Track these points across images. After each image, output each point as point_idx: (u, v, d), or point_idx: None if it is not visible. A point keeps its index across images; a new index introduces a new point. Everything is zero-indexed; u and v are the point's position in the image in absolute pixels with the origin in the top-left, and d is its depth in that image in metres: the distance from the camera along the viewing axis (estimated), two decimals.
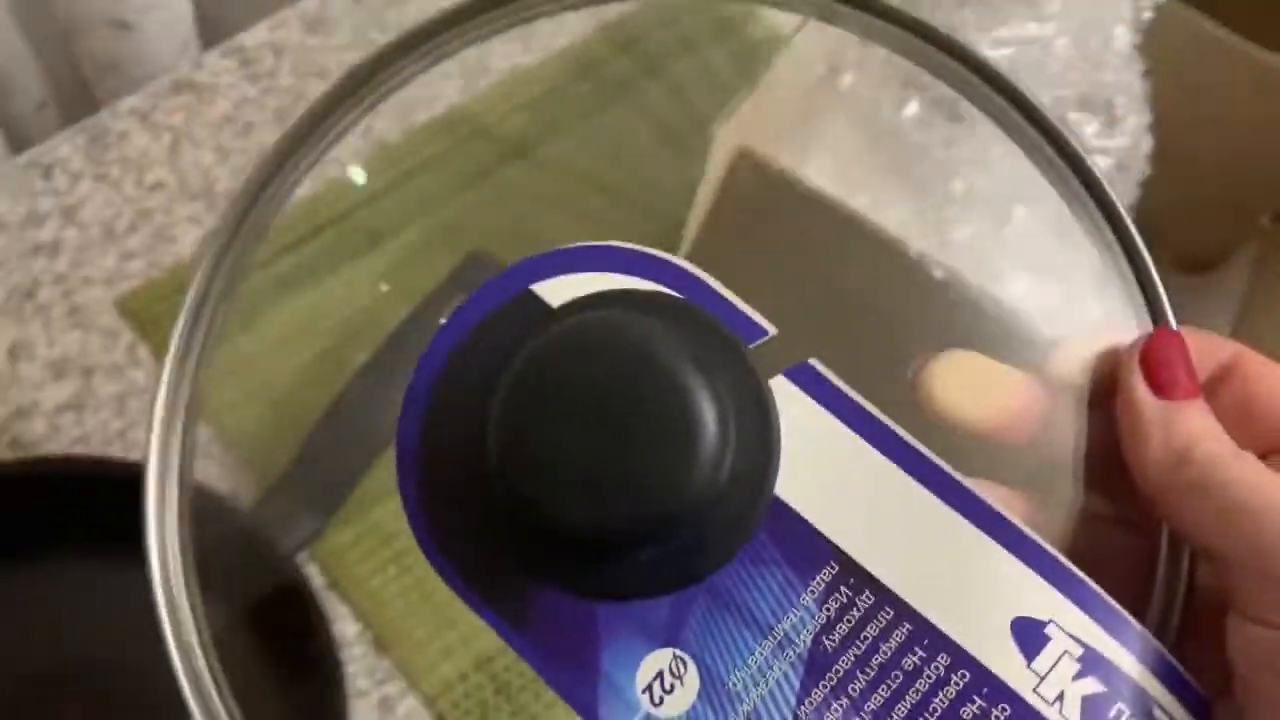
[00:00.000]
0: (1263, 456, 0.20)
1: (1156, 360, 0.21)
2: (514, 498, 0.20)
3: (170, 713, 0.22)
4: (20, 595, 0.47)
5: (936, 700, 0.20)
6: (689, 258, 0.48)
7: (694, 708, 0.20)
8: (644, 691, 0.20)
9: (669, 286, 0.21)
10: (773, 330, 0.21)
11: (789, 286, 0.45)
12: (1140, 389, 0.20)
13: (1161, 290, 0.22)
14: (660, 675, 0.20)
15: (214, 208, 0.58)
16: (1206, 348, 0.21)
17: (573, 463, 0.19)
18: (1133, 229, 0.22)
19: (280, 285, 0.57)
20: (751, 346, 0.21)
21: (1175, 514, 0.20)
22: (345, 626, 0.49)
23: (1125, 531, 0.22)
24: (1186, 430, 0.20)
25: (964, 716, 0.20)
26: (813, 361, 0.21)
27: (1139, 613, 0.20)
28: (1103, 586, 0.20)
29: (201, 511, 0.44)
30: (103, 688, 0.47)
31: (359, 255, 0.58)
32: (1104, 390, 0.21)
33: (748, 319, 0.21)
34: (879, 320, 0.42)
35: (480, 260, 0.51)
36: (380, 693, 0.48)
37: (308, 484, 0.47)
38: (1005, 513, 0.20)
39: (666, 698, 0.20)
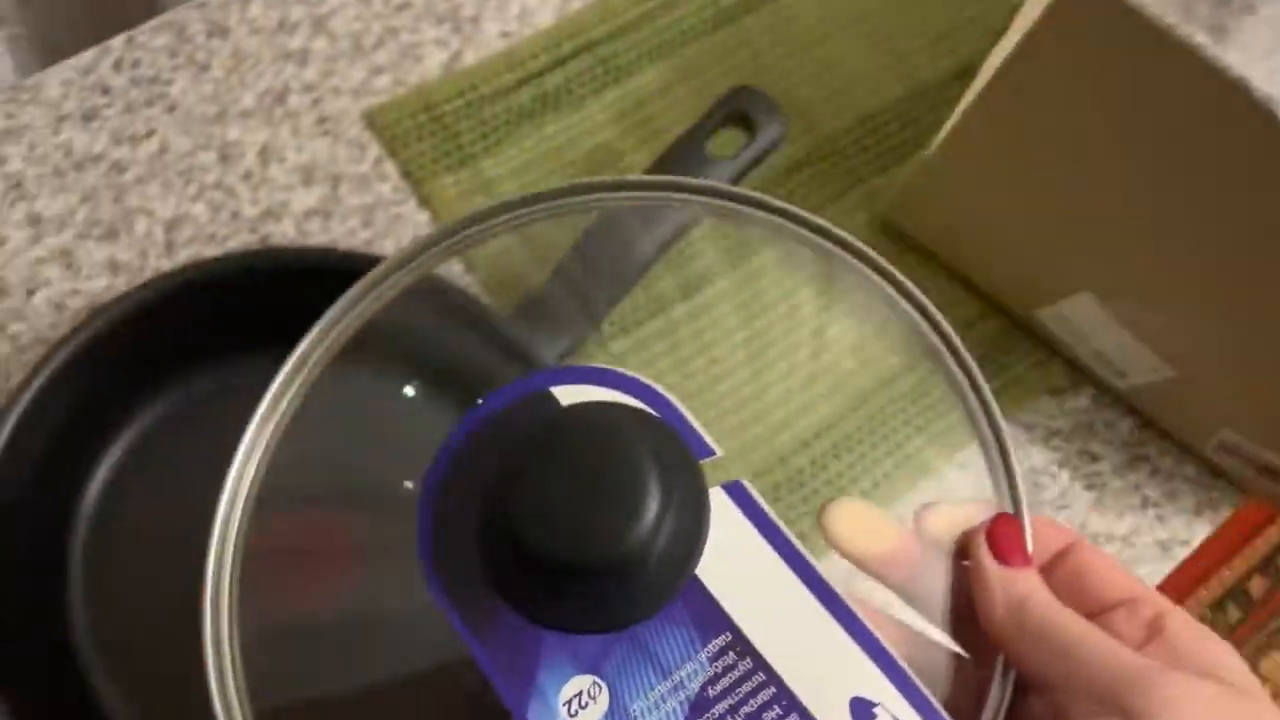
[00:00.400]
0: (1089, 618, 0.26)
1: (999, 537, 0.28)
2: (503, 529, 0.27)
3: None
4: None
5: None
6: (987, 92, 0.45)
7: None
8: (564, 704, 0.27)
9: (655, 408, 0.30)
10: (720, 452, 0.29)
11: (1112, 117, 0.42)
12: (986, 557, 0.28)
13: (1019, 482, 0.29)
14: (580, 694, 0.27)
15: (459, 32, 0.57)
16: (1052, 532, 0.29)
17: (550, 510, 0.26)
18: (1003, 429, 0.30)
19: (522, 114, 0.56)
20: (702, 461, 0.29)
21: (1013, 651, 0.27)
22: None
23: (970, 663, 0.28)
24: (1021, 589, 0.27)
25: None
26: (744, 481, 0.29)
27: None
28: (946, 701, 0.26)
29: (465, 316, 0.44)
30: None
31: (601, 90, 0.57)
32: (961, 553, 0.29)
33: (704, 442, 0.29)
34: (1206, 156, 0.40)
35: (748, 92, 0.49)
36: None
37: (563, 303, 0.47)
38: (867, 623, 0.27)
39: (581, 712, 0.27)
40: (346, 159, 0.54)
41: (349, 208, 0.53)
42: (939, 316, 0.33)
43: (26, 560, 0.42)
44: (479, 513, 0.28)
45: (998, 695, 0.27)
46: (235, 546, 0.29)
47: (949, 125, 0.49)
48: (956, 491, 0.51)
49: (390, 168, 0.54)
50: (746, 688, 0.27)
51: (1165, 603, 0.27)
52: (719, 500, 0.28)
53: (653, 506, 0.26)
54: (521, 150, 0.55)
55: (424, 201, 0.54)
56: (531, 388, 0.30)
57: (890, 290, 0.34)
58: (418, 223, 0.53)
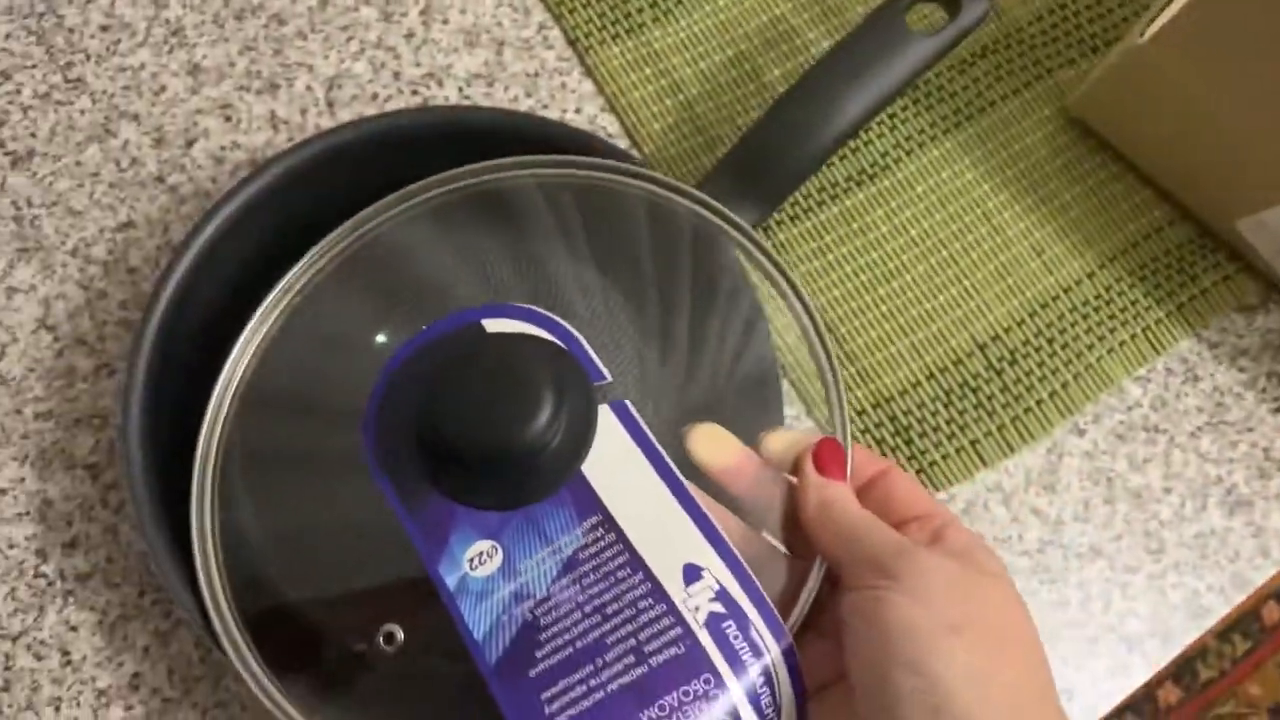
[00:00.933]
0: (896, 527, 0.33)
1: (822, 454, 0.35)
2: (426, 423, 0.36)
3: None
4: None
5: (627, 594, 0.34)
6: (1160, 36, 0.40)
7: (492, 575, 0.35)
8: (468, 560, 0.35)
9: (563, 341, 0.38)
10: (610, 377, 0.37)
11: None
12: (810, 469, 0.35)
13: (846, 415, 0.37)
14: (480, 554, 0.35)
15: None
16: (871, 461, 0.37)
17: (467, 411, 0.35)
18: (836, 368, 0.38)
19: None
20: (596, 384, 0.37)
21: (818, 538, 0.34)
22: None
23: (791, 559, 0.36)
24: (831, 493, 0.34)
25: (640, 608, 0.34)
26: (627, 401, 0.36)
27: (790, 603, 0.34)
28: (773, 590, 0.34)
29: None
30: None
31: None
32: (794, 470, 0.36)
33: (598, 369, 0.37)
34: None
35: None
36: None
37: (748, 175, 0.44)
38: (707, 513, 0.35)
39: (480, 568, 0.35)
40: (511, 22, 0.51)
41: (512, 74, 0.50)
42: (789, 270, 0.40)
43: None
44: (415, 416, 0.36)
45: (813, 582, 0.34)
46: (219, 444, 0.38)
47: (1171, 9, 0.45)
48: (1130, 406, 0.49)
49: (556, 34, 0.51)
50: (608, 554, 0.35)
51: (949, 515, 0.34)
52: (607, 415, 0.36)
53: (546, 410, 0.35)
54: (691, 21, 0.53)
55: (589, 71, 0.51)
56: (464, 320, 0.38)
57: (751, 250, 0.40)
58: (582, 93, 0.51)
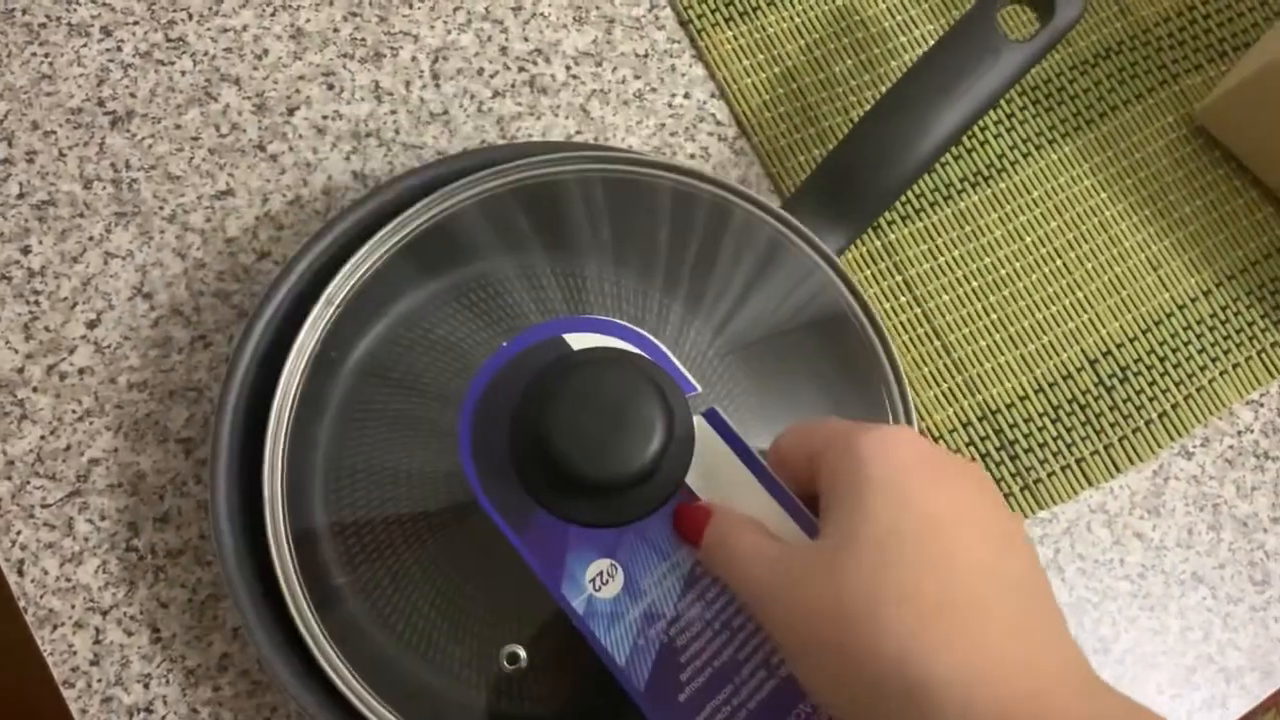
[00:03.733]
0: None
1: (682, 527, 0.35)
2: (539, 449, 0.35)
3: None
4: None
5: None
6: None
7: (619, 596, 0.35)
8: (590, 581, 0.35)
9: (646, 351, 0.38)
10: (699, 388, 0.38)
11: None
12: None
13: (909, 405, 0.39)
14: (601, 573, 0.35)
15: None
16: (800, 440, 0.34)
17: (581, 439, 0.35)
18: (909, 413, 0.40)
19: None
20: (687, 395, 0.37)
21: (816, 479, 0.32)
22: None
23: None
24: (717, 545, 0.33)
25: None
26: (717, 408, 0.36)
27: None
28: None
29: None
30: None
31: None
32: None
33: (688, 380, 0.38)
34: None
35: None
36: None
37: (836, 196, 0.43)
38: (806, 511, 0.33)
39: (604, 588, 0.35)
40: (622, 1, 0.49)
41: (621, 54, 0.49)
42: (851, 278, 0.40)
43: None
44: (510, 436, 0.36)
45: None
46: (293, 398, 0.37)
47: None
48: (1241, 431, 0.47)
49: (667, 14, 0.50)
50: None
51: (830, 446, 0.33)
52: (701, 425, 0.36)
53: (660, 434, 0.35)
54: (806, 6, 0.51)
55: (700, 55, 0.49)
56: (547, 333, 0.38)
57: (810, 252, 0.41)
58: (693, 77, 0.49)
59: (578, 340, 0.38)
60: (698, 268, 0.40)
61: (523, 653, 0.35)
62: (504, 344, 0.38)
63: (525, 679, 0.35)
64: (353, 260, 0.39)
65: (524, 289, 0.39)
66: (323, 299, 0.38)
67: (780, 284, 0.40)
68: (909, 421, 0.39)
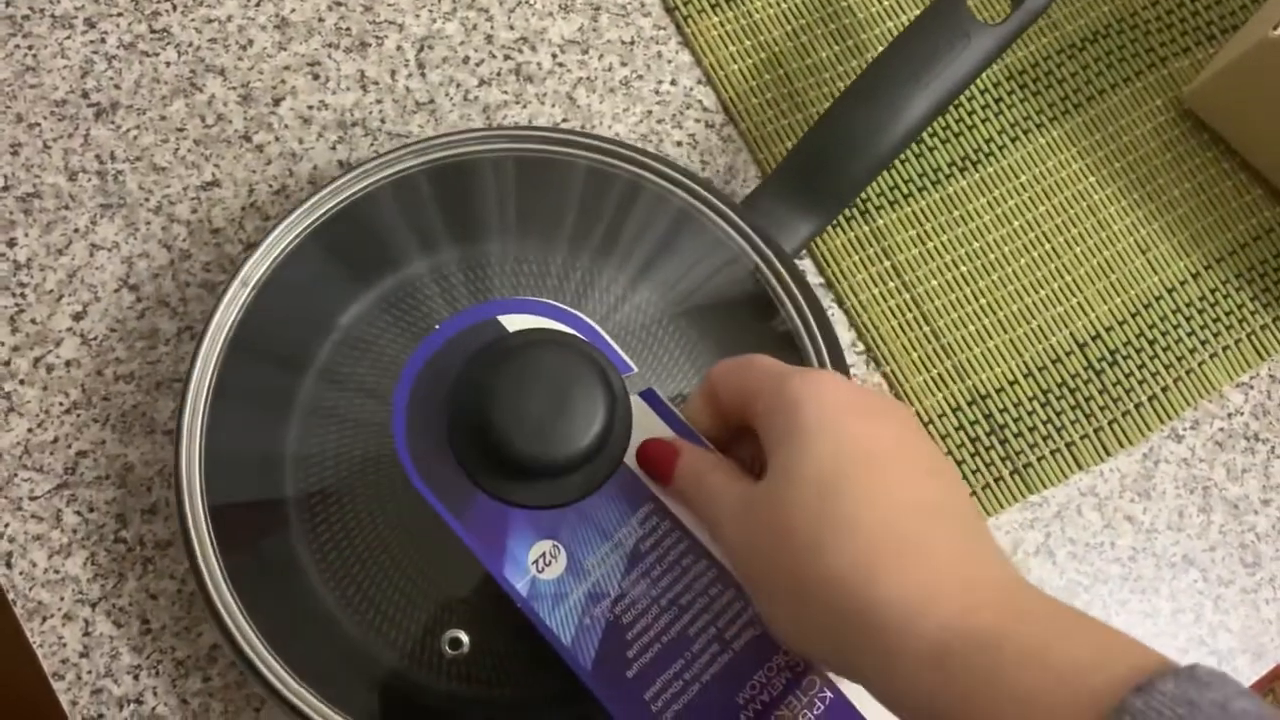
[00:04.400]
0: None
1: (647, 463, 0.36)
2: (480, 433, 0.35)
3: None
4: None
5: (696, 583, 0.35)
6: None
7: (562, 576, 0.35)
8: (533, 563, 0.35)
9: (582, 333, 0.38)
10: (635, 368, 0.38)
11: None
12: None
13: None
14: (544, 554, 0.35)
15: None
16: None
17: (524, 421, 0.35)
18: None
19: None
20: (624, 375, 0.38)
21: (752, 419, 0.33)
22: (839, 333, 0.45)
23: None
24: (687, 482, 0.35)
25: (711, 595, 0.35)
26: (655, 387, 0.37)
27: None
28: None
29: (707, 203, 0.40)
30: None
31: None
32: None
33: (624, 361, 0.38)
34: None
35: None
36: None
37: (806, 183, 0.42)
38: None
39: (547, 569, 0.35)
40: None
41: (607, 41, 0.49)
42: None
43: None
44: (450, 420, 0.36)
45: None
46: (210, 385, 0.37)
47: None
48: (1231, 414, 0.47)
49: (653, 1, 0.50)
50: (667, 543, 0.35)
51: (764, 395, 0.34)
52: (639, 404, 0.37)
53: (602, 417, 0.35)
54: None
55: (686, 41, 0.49)
56: (481, 315, 0.38)
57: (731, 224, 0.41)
58: (679, 64, 0.49)
59: (512, 322, 0.38)
60: (620, 243, 0.40)
61: (465, 637, 0.35)
62: (437, 326, 0.38)
63: (470, 662, 0.35)
64: (268, 240, 0.39)
65: (457, 272, 0.39)
66: (238, 279, 0.38)
67: (694, 255, 0.41)
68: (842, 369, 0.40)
